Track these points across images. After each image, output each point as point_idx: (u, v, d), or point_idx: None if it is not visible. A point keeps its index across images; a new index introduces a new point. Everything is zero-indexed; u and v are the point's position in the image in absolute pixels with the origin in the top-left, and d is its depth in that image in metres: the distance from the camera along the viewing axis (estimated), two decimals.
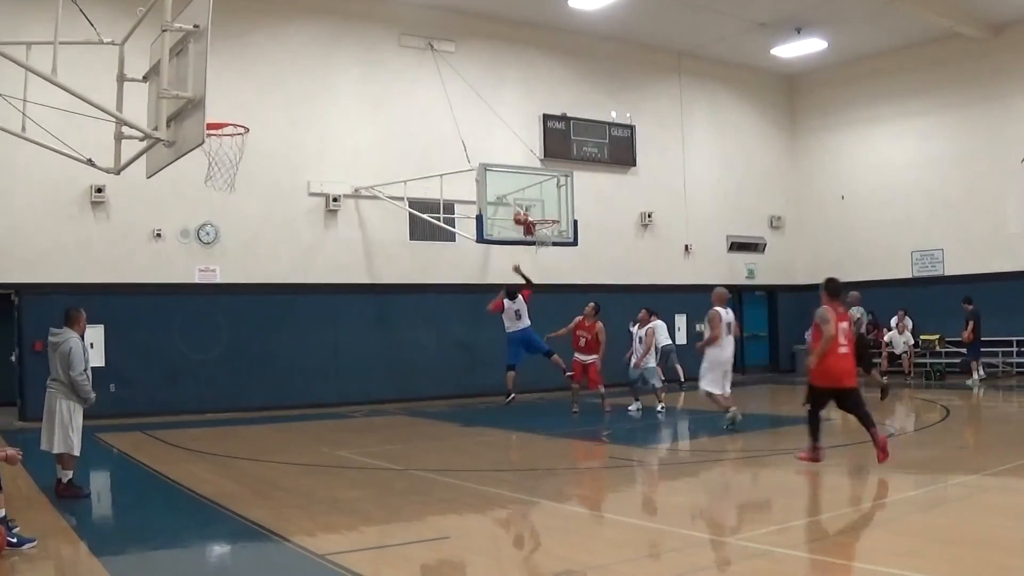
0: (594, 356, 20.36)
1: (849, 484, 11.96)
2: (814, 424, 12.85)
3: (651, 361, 20.53)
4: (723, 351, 17.32)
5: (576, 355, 20.52)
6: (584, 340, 20.31)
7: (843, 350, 12.59)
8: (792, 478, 12.58)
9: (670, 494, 12.21)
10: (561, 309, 21.84)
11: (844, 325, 12.69)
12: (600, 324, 20.38)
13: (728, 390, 17.51)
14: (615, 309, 22.71)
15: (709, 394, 17.36)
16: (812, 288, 30.37)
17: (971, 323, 25.05)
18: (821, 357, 12.55)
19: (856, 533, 8.86)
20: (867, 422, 12.47)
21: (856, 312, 22.16)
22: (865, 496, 10.41)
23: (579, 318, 20.58)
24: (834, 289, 13.04)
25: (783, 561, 7.99)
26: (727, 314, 17.48)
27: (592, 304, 20.70)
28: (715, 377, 17.29)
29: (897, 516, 9.55)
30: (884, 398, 20.84)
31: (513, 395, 20.80)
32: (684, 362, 26.93)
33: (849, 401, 12.74)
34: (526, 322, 20.96)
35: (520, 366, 21.09)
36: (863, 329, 22.60)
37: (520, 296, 20.90)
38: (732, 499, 11.75)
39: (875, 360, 24.11)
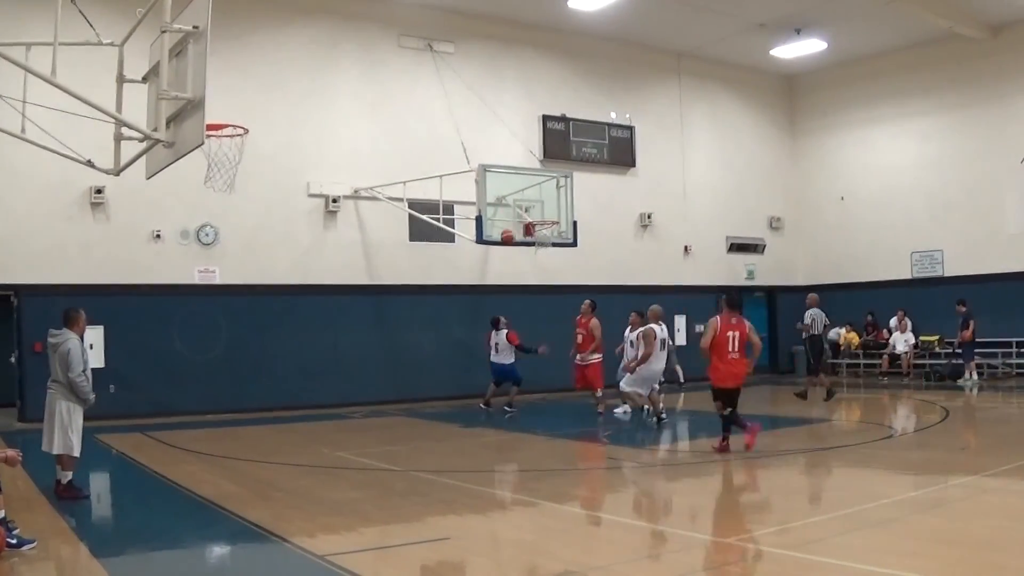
0: (594, 357, 20.41)
1: (849, 485, 11.96)
2: (732, 417, 14.57)
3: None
4: (655, 365, 18.53)
5: (577, 358, 20.58)
6: (581, 337, 20.42)
7: (733, 356, 14.48)
8: (792, 479, 12.60)
9: (670, 495, 12.21)
10: (560, 310, 21.88)
11: (735, 334, 14.46)
12: (595, 320, 20.43)
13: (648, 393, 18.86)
14: (614, 310, 22.62)
15: (625, 393, 19.01)
16: (812, 289, 30.60)
17: (972, 323, 25.04)
18: (715, 362, 14.48)
19: (856, 534, 8.84)
20: (738, 421, 14.59)
21: (809, 316, 22.69)
22: (866, 497, 10.39)
23: (578, 316, 20.73)
24: (731, 302, 14.92)
25: (783, 562, 7.99)
26: (662, 331, 18.64)
27: (588, 301, 20.80)
28: (643, 384, 18.61)
29: (898, 517, 9.54)
30: (829, 399, 22.17)
31: (489, 407, 21.39)
32: (684, 362, 26.97)
33: (732, 399, 14.69)
34: (504, 358, 21.44)
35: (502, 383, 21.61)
36: (817, 331, 22.75)
37: (505, 332, 21.39)
38: (732, 500, 11.75)
39: (829, 361, 24.55)
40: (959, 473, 12.19)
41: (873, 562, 7.70)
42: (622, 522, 10.38)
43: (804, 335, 22.86)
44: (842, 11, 25.87)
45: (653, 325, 18.40)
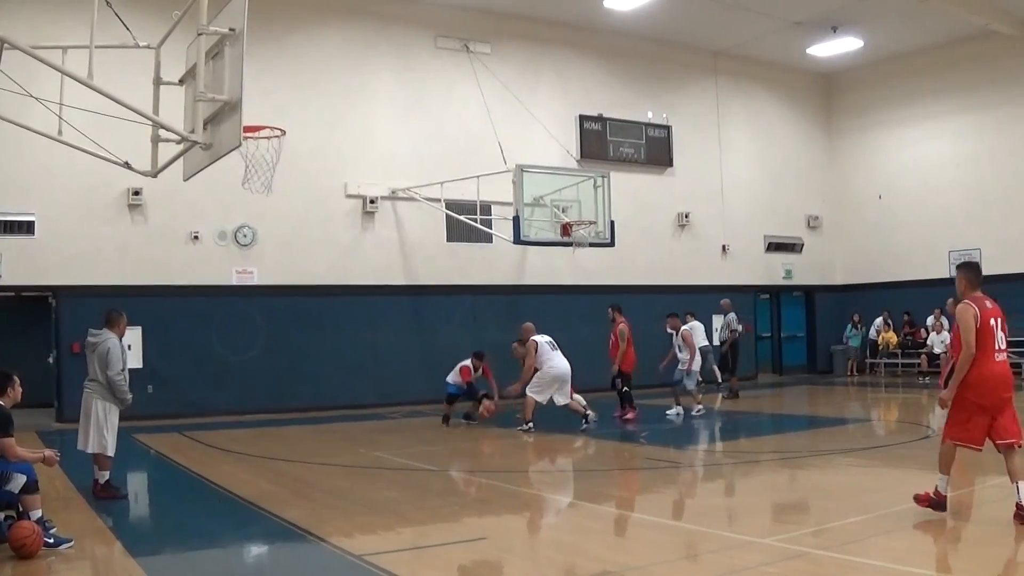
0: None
1: (886, 485, 11.87)
2: (626, 395, 19.60)
3: (695, 364, 20.15)
4: (553, 369, 18.17)
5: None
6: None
7: (632, 348, 19.59)
8: (829, 479, 12.51)
9: (707, 495, 12.15)
10: (597, 310, 21.80)
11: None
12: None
13: (561, 401, 18.31)
14: (650, 310, 22.71)
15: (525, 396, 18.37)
16: (850, 288, 30.46)
17: None
18: (628, 355, 19.49)
19: (894, 535, 8.78)
20: (629, 401, 19.73)
21: (736, 321, 24.33)
22: (903, 497, 10.29)
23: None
24: (618, 308, 19.81)
25: (820, 563, 7.94)
26: (542, 338, 18.55)
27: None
28: (542, 390, 18.18)
29: (935, 517, 9.45)
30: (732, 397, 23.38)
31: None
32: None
33: (626, 381, 19.67)
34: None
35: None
36: (725, 335, 24.27)
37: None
38: (769, 500, 11.68)
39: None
40: (996, 473, 12.05)
41: (910, 563, 7.65)
42: (659, 522, 10.33)
43: (723, 339, 23.72)
44: (878, 9, 25.69)
45: (534, 337, 18.52)
